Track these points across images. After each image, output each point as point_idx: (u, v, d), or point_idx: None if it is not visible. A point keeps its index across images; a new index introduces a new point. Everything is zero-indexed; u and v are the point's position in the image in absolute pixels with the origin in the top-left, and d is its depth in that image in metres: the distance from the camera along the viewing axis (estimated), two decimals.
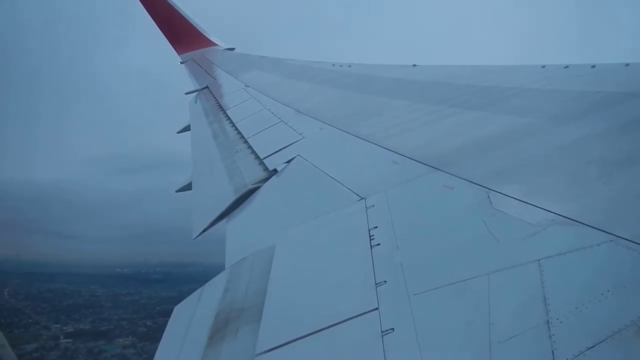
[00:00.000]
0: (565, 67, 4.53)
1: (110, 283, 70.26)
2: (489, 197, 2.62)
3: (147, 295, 62.28)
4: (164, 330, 3.24)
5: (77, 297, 59.30)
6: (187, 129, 10.15)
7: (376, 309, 2.16)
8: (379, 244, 2.68)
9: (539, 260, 1.96)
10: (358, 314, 2.19)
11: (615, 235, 1.91)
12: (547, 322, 1.66)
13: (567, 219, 2.16)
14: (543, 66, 4.82)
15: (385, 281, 2.32)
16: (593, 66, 4.28)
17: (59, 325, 46.03)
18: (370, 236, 2.80)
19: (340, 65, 8.62)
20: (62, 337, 42.85)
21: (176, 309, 3.50)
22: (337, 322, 2.21)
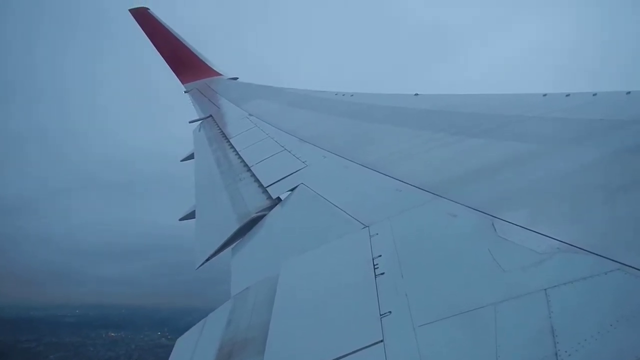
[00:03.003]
0: (567, 96, 4.57)
1: (14, 329, 65.34)
2: (493, 224, 2.61)
3: (46, 342, 58.69)
4: None
5: None
6: (190, 157, 10.23)
7: (381, 341, 2.12)
8: (383, 273, 2.65)
9: (545, 289, 1.94)
10: (363, 346, 2.15)
11: (622, 264, 1.89)
12: (556, 354, 1.63)
13: (573, 247, 2.14)
14: (544, 94, 4.87)
15: (390, 312, 2.29)
16: (594, 94, 4.32)
17: None
18: (374, 265, 2.77)
19: (343, 95, 8.72)
20: None
21: (178, 340, 3.45)
22: (342, 355, 2.17)
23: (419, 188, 3.56)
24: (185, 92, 15.73)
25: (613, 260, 1.93)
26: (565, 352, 1.62)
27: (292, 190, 4.91)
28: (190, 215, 6.91)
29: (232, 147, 8.22)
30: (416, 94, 6.86)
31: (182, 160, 10.76)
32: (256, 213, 4.84)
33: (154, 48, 16.21)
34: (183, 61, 16.24)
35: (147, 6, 16.08)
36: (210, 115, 12.02)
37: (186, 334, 3.51)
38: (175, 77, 16.45)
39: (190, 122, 12.62)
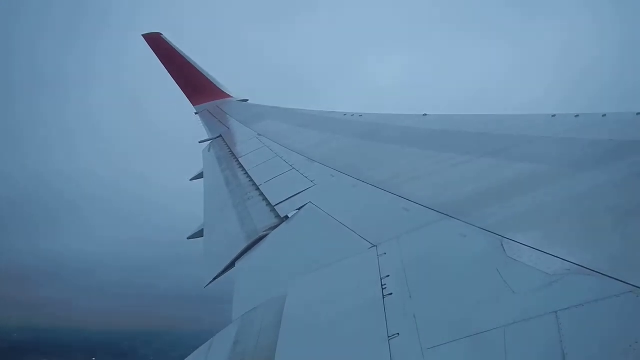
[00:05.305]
0: (576, 116, 4.56)
1: None
2: (502, 245, 2.58)
3: None
4: None
5: None
6: (200, 176, 10.33)
7: None
8: (391, 294, 2.62)
9: (556, 312, 1.90)
10: None
11: (634, 286, 1.85)
12: None
13: (584, 269, 2.10)
14: (553, 115, 4.86)
15: (398, 334, 2.25)
16: (604, 115, 4.30)
17: None
18: (382, 285, 2.74)
19: (352, 115, 8.78)
20: None
21: None
22: None
23: (427, 208, 3.54)
24: (195, 113, 15.98)
25: (625, 283, 1.89)
26: None
27: (300, 209, 4.91)
28: (199, 234, 6.93)
29: (241, 166, 8.28)
30: (425, 114, 6.88)
31: (191, 180, 10.87)
32: (264, 231, 4.84)
33: (166, 71, 16.56)
34: (195, 84, 16.55)
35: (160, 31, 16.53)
36: (220, 136, 12.15)
37: (193, 354, 3.49)
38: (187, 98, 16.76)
39: (200, 142, 12.80)
